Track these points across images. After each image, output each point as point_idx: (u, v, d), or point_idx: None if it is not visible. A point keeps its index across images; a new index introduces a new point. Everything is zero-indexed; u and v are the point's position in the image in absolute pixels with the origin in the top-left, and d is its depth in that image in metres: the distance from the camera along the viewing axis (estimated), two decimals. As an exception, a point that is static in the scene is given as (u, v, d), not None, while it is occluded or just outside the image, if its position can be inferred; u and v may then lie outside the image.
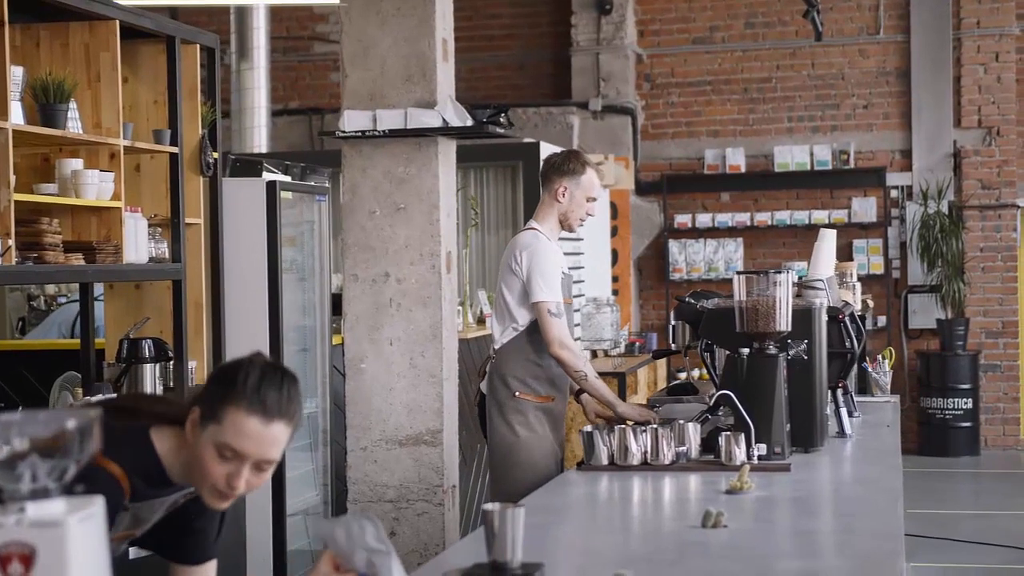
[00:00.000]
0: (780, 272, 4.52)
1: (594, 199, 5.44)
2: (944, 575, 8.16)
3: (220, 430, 2.62)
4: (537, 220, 5.47)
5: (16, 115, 4.81)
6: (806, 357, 4.62)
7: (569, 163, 5.42)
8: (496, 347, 5.42)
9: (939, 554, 8.59)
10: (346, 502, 5.95)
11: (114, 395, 5.01)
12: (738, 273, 4.57)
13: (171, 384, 5.77)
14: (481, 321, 8.46)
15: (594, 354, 10.50)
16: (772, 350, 4.51)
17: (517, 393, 5.31)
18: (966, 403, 12.48)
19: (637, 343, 11.19)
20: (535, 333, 5.28)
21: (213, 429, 2.62)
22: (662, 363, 11.51)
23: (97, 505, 1.83)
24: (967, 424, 12.51)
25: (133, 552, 4.65)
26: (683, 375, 12.44)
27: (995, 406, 12.85)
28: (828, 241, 5.67)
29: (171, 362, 5.74)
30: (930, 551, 8.61)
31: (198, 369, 6.04)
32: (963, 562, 8.42)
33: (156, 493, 2.76)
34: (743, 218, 13.06)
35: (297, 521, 6.82)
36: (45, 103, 4.96)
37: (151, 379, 5.57)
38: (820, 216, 12.84)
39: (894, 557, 3.00)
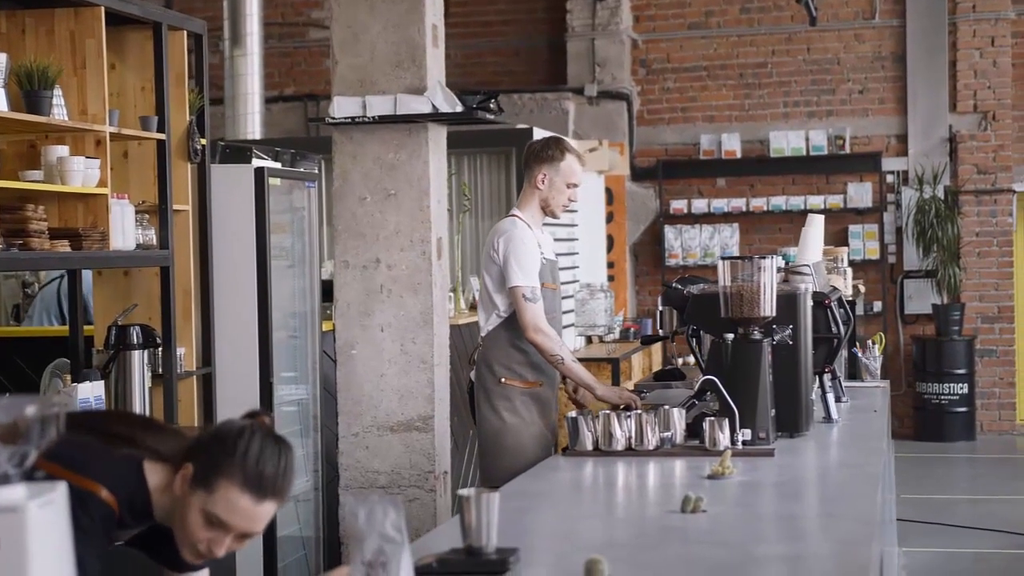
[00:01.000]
0: (764, 258, 4.52)
1: (575, 185, 5.45)
2: (938, 560, 8.17)
3: (211, 500, 2.62)
4: (519, 207, 5.50)
5: (0, 102, 4.81)
6: (791, 342, 4.63)
7: (548, 150, 5.44)
8: (482, 335, 5.47)
9: (933, 539, 8.60)
10: (337, 489, 5.96)
11: (111, 411, 4.95)
12: (723, 258, 4.57)
13: (159, 371, 5.77)
14: (473, 307, 8.45)
15: (588, 340, 10.51)
16: (757, 335, 4.51)
17: (503, 379, 5.34)
18: (962, 388, 12.48)
19: (632, 329, 11.20)
20: (517, 319, 5.30)
21: (203, 496, 2.63)
22: (657, 349, 11.51)
23: (58, 491, 1.83)
24: (963, 409, 12.52)
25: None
26: (679, 361, 12.46)
27: (991, 391, 12.85)
28: (816, 227, 5.67)
29: (159, 348, 5.74)
30: (924, 536, 8.63)
31: (187, 356, 6.04)
32: (957, 547, 8.43)
33: (138, 524, 2.75)
34: (739, 204, 13.06)
35: (287, 507, 6.83)
36: (29, 90, 4.95)
37: (139, 366, 5.57)
38: (816, 201, 12.84)
39: (868, 541, 3.00)
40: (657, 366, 11.05)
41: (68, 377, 5.62)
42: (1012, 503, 9.99)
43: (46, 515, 1.80)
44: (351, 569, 2.64)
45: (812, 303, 4.90)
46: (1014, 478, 11.17)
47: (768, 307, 4.49)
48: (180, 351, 5.91)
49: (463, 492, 2.80)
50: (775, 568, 2.92)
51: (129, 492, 2.68)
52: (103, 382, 5.36)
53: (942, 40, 12.82)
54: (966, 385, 12.50)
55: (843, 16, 13.07)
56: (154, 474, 2.72)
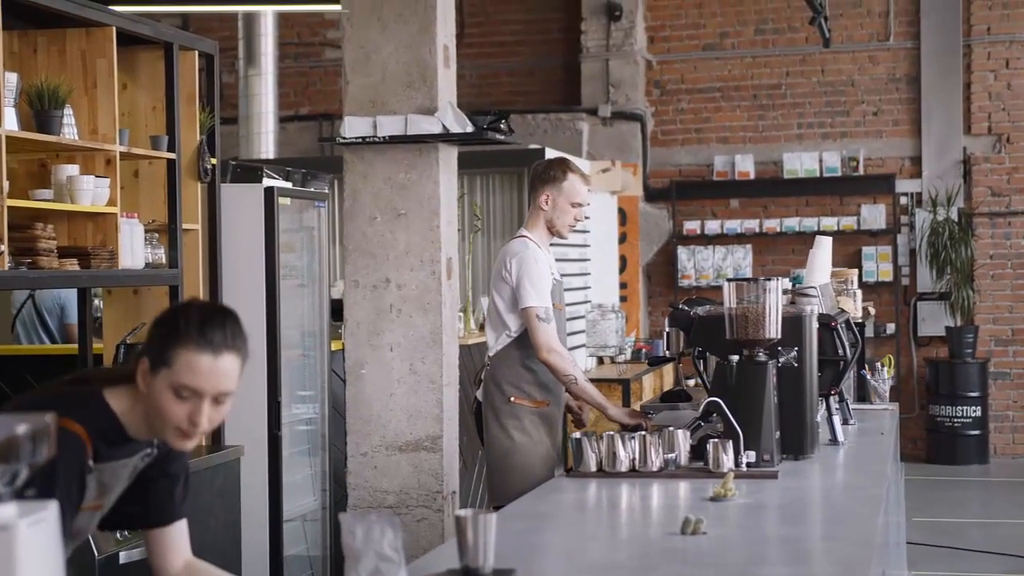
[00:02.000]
0: (770, 279, 4.52)
1: (579, 204, 5.49)
2: (948, 583, 8.15)
3: (173, 372, 2.70)
4: (527, 228, 5.54)
5: (11, 121, 4.84)
6: (796, 364, 4.61)
7: (551, 171, 5.49)
8: (490, 354, 5.49)
9: (945, 563, 8.57)
10: (345, 508, 5.97)
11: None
12: (728, 280, 4.57)
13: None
14: (483, 327, 8.46)
15: (600, 361, 10.51)
16: (762, 357, 4.50)
17: (512, 399, 5.36)
18: (975, 411, 12.44)
19: (644, 350, 11.19)
20: (528, 339, 5.32)
21: (166, 373, 2.71)
22: (669, 370, 11.50)
23: (49, 510, 1.84)
24: (976, 432, 12.47)
25: (125, 556, 4.69)
26: (691, 382, 12.44)
27: (1004, 414, 12.80)
28: (823, 248, 5.67)
29: (168, 367, 5.75)
30: (935, 559, 8.60)
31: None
32: (969, 571, 8.40)
33: (117, 453, 2.83)
34: (752, 225, 13.05)
35: (295, 527, 6.84)
36: (40, 109, 4.99)
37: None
38: (829, 223, 12.82)
39: (867, 563, 3.00)
40: (668, 387, 11.03)
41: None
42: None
43: (36, 533, 1.80)
44: None
45: (819, 325, 4.89)
46: (1027, 502, 11.13)
47: (773, 329, 4.48)
48: (188, 369, 5.92)
49: (460, 513, 2.80)
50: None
51: (97, 421, 2.77)
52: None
53: (956, 62, 12.82)
54: (979, 408, 12.46)
55: (857, 38, 13.08)
56: (116, 399, 2.81)
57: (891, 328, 12.78)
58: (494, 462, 5.41)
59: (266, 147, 10.84)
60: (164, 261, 5.77)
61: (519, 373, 5.38)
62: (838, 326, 5.11)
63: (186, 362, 2.70)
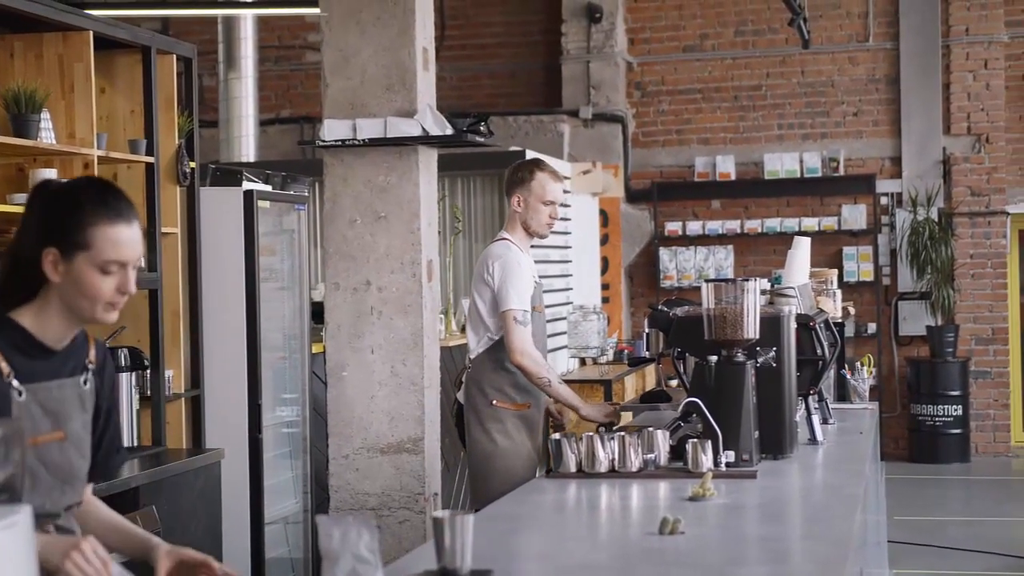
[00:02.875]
0: (748, 280, 4.53)
1: (551, 202, 5.52)
2: (929, 582, 8.18)
3: (95, 252, 2.73)
4: (507, 231, 5.58)
5: (-12, 125, 4.84)
6: (775, 364, 4.63)
7: (518, 172, 5.56)
8: (471, 356, 5.52)
9: (926, 561, 8.60)
10: (327, 511, 5.96)
11: None
12: (706, 281, 4.58)
13: (148, 393, 5.78)
14: (464, 329, 8.47)
15: (582, 362, 10.51)
16: (740, 357, 4.51)
17: (494, 401, 5.38)
18: (956, 410, 12.48)
19: (626, 351, 11.20)
20: None
21: (85, 256, 2.73)
22: (651, 370, 11.52)
23: (22, 514, 1.84)
24: (957, 431, 12.51)
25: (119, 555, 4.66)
26: (674, 383, 12.45)
27: (985, 413, 12.85)
28: (802, 249, 5.68)
29: (147, 371, 5.75)
30: (917, 558, 8.62)
31: (175, 378, 6.05)
32: (950, 569, 8.43)
33: (43, 369, 2.79)
34: (733, 225, 13.08)
35: (276, 529, 6.83)
36: (17, 113, 4.98)
37: (127, 388, 5.58)
38: (810, 223, 12.86)
39: (842, 562, 3.01)
40: (651, 387, 11.05)
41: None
42: (1007, 525, 9.99)
43: (9, 538, 1.81)
44: None
45: (797, 325, 4.91)
46: (1008, 500, 11.16)
47: (751, 329, 4.50)
48: (168, 373, 5.93)
49: (437, 514, 2.81)
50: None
51: (8, 340, 2.74)
52: None
53: (935, 62, 12.87)
54: (960, 407, 12.50)
55: (837, 39, 13.12)
56: (21, 316, 2.78)
57: (872, 328, 12.82)
58: (476, 465, 5.42)
59: (246, 150, 10.83)
60: (143, 265, 5.76)
61: (500, 376, 5.41)
62: (816, 326, 5.13)
63: (106, 238, 2.73)
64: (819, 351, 5.12)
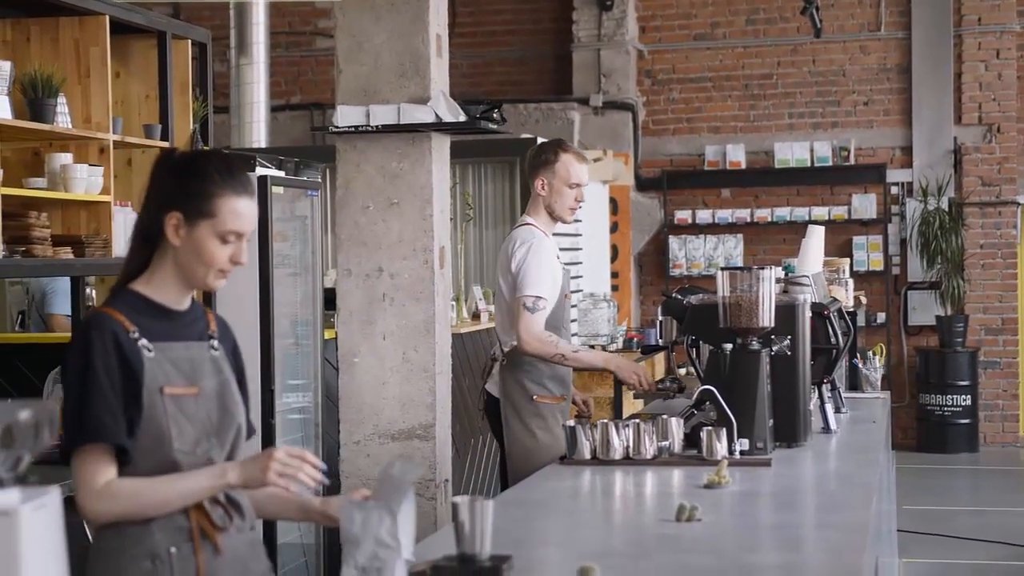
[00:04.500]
0: (763, 268, 4.53)
1: (577, 185, 5.38)
2: (938, 571, 8.17)
3: (218, 221, 2.85)
4: (530, 215, 5.45)
5: (4, 110, 4.84)
6: (789, 353, 4.63)
7: (543, 154, 5.39)
8: (506, 349, 5.35)
9: (934, 550, 8.61)
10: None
11: None
12: (722, 269, 4.58)
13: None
14: (476, 316, 8.47)
15: (592, 349, 10.51)
16: (755, 346, 4.51)
17: (535, 396, 5.28)
18: (965, 400, 12.48)
19: (636, 339, 11.19)
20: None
21: (208, 223, 2.86)
22: (660, 358, 11.52)
23: (51, 495, 1.85)
24: (966, 421, 12.51)
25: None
26: (683, 371, 12.45)
27: (994, 403, 12.85)
28: (816, 237, 5.68)
29: (162, 356, 5.76)
30: (925, 547, 8.63)
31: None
32: (959, 558, 8.43)
33: (169, 329, 2.92)
34: (743, 214, 13.07)
35: (288, 514, 6.83)
36: (34, 97, 4.99)
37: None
38: (820, 212, 12.85)
39: (860, 550, 3.02)
40: (661, 375, 11.05)
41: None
42: (1014, 515, 9.99)
43: (39, 519, 1.81)
44: (344, 568, 2.68)
45: (811, 314, 4.91)
46: (1016, 490, 11.18)
47: (767, 318, 4.49)
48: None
49: (456, 499, 2.81)
50: (767, 576, 2.94)
51: (131, 304, 2.88)
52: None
53: (947, 52, 12.84)
54: (969, 397, 12.50)
55: (848, 28, 13.10)
56: (140, 284, 2.93)
57: (881, 317, 12.81)
58: (517, 460, 5.28)
59: (258, 136, 10.82)
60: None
61: (540, 369, 5.29)
62: (831, 315, 5.13)
63: (231, 209, 2.86)
64: (833, 340, 5.12)
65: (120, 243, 5.40)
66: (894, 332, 12.88)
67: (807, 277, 5.27)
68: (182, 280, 2.92)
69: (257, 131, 10.83)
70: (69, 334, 6.08)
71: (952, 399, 12.47)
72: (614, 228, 12.71)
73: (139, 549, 2.85)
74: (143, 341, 2.86)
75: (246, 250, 2.92)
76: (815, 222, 12.61)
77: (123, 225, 5.42)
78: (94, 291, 6.22)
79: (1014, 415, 12.90)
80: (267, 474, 2.83)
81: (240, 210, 2.87)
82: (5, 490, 1.82)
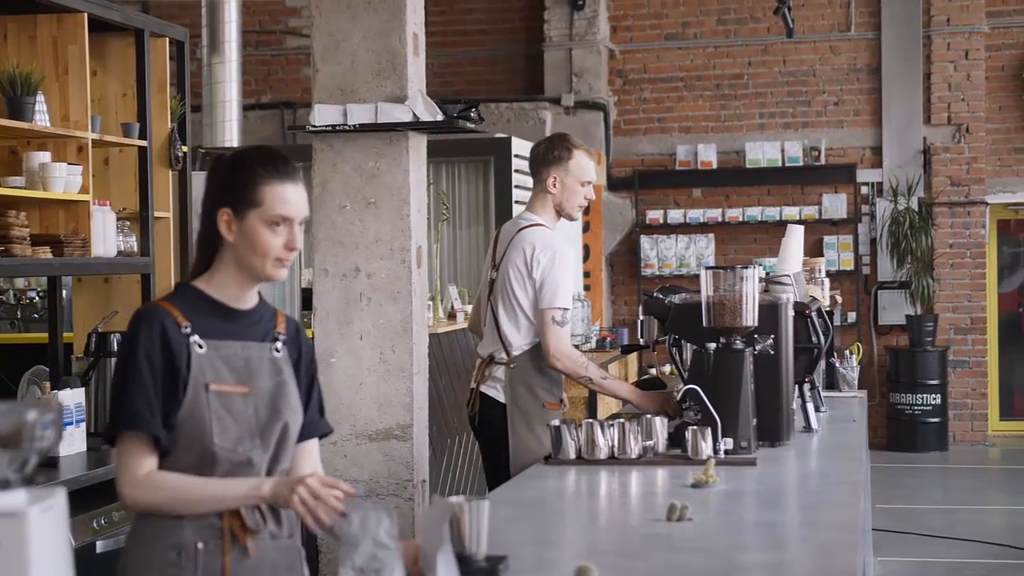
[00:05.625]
0: (747, 268, 4.54)
1: (588, 182, 5.21)
2: (911, 569, 8.21)
3: (264, 209, 2.92)
4: (535, 214, 5.25)
5: (-18, 108, 4.80)
6: (772, 352, 4.64)
7: (554, 150, 5.19)
8: (515, 352, 5.14)
9: (907, 548, 8.65)
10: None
11: None
12: (706, 268, 4.58)
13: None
14: (452, 316, 8.46)
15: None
16: (739, 345, 4.52)
17: (546, 404, 5.12)
18: (935, 399, 12.55)
19: (609, 338, 11.21)
20: None
21: (256, 212, 2.92)
22: (633, 358, 11.54)
23: (58, 497, 1.83)
24: (936, 420, 12.58)
25: (101, 545, 4.65)
26: (652, 370, 12.47)
27: (963, 401, 12.92)
28: (796, 237, 5.69)
29: (140, 356, 5.71)
30: (898, 545, 8.67)
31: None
32: (931, 556, 8.48)
33: (228, 328, 2.97)
34: (715, 214, 13.10)
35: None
36: (12, 96, 4.94)
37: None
38: (791, 212, 12.90)
39: (853, 548, 3.02)
40: (633, 375, 11.07)
41: (47, 384, 5.59)
42: (985, 512, 10.06)
43: (47, 520, 1.80)
44: (341, 569, 2.67)
45: (793, 313, 4.92)
46: (986, 488, 11.25)
47: (750, 317, 4.50)
48: (160, 358, 5.89)
49: (453, 500, 2.80)
50: (762, 575, 2.94)
51: (190, 301, 2.94)
52: (83, 389, 5.33)
53: (917, 52, 12.91)
54: (939, 396, 12.57)
55: (819, 28, 13.15)
56: (201, 283, 2.98)
57: (852, 317, 12.87)
58: (520, 465, 5.14)
59: (230, 135, 10.73)
60: (136, 249, 5.73)
61: (550, 375, 5.12)
62: (812, 314, 5.14)
63: (275, 195, 2.92)
64: (815, 339, 5.13)
65: (99, 243, 5.36)
66: (864, 331, 12.94)
67: (788, 276, 5.28)
68: (243, 276, 2.97)
69: (229, 130, 10.74)
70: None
71: (922, 398, 12.54)
72: (586, 228, 12.71)
73: (168, 540, 2.89)
74: (195, 337, 2.91)
75: (300, 236, 2.96)
76: (786, 222, 12.68)
77: (102, 224, 5.38)
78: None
79: (983, 414, 12.99)
80: (292, 500, 2.83)
81: (285, 195, 2.93)
82: (13, 491, 1.80)
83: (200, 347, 2.91)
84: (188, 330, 2.90)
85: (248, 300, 3.02)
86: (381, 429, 6.01)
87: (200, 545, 2.88)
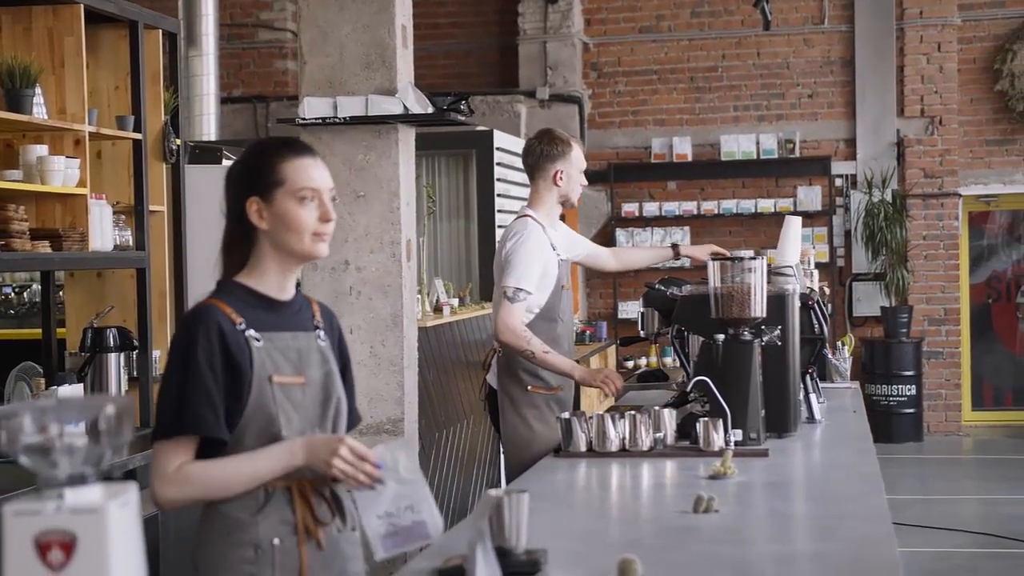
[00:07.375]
0: (755, 258, 4.54)
1: (583, 169, 5.48)
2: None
3: (289, 184, 2.92)
4: (532, 208, 5.40)
5: (-19, 100, 4.74)
6: (780, 343, 4.64)
7: (557, 147, 5.36)
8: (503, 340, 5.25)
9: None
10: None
11: None
12: (713, 259, 4.57)
13: (135, 374, 5.70)
14: (438, 309, 8.42)
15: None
16: (747, 336, 4.52)
17: (530, 387, 5.25)
18: (909, 390, 12.62)
19: (588, 332, 11.22)
20: (541, 323, 5.21)
21: (282, 192, 2.92)
22: (611, 351, 11.55)
23: (132, 492, 1.81)
24: (910, 410, 12.66)
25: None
26: (630, 363, 12.49)
27: (938, 392, 13.00)
28: (794, 227, 5.70)
29: (135, 351, 5.67)
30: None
31: (162, 358, 5.96)
32: (907, 546, 8.51)
33: (275, 319, 2.95)
34: (690, 207, 13.12)
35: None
36: (11, 88, 4.88)
37: (115, 368, 5.50)
38: (766, 205, 12.93)
39: (889, 539, 3.03)
40: (612, 367, 11.07)
41: (41, 381, 5.53)
42: (960, 502, 10.12)
43: (124, 515, 1.78)
44: (365, 519, 2.68)
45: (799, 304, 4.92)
46: (961, 478, 11.32)
47: (758, 308, 4.50)
48: (156, 353, 5.84)
49: (493, 492, 2.78)
50: (806, 566, 2.93)
51: (236, 296, 2.92)
52: (81, 385, 5.28)
53: (890, 45, 12.97)
54: (914, 387, 12.64)
55: (793, 21, 13.18)
56: (243, 277, 2.96)
57: (828, 308, 12.89)
58: (514, 451, 5.25)
59: (208, 129, 10.68)
60: (131, 243, 5.67)
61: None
62: (815, 304, 5.15)
63: (296, 169, 2.92)
64: (817, 329, 5.14)
65: (96, 236, 5.30)
66: (839, 323, 12.99)
67: (791, 267, 5.29)
68: (284, 263, 2.95)
69: (207, 124, 10.69)
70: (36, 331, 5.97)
71: (897, 389, 12.60)
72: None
73: (243, 537, 2.86)
74: (250, 332, 2.88)
75: (331, 206, 2.95)
76: (761, 215, 12.74)
77: (99, 218, 5.32)
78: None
79: (957, 404, 13.07)
80: (331, 469, 2.81)
81: (306, 168, 2.93)
82: (90, 487, 1.77)
83: (257, 340, 2.89)
84: (243, 326, 2.88)
85: (289, 290, 3.01)
86: (372, 423, 6.00)
87: (276, 541, 2.86)
